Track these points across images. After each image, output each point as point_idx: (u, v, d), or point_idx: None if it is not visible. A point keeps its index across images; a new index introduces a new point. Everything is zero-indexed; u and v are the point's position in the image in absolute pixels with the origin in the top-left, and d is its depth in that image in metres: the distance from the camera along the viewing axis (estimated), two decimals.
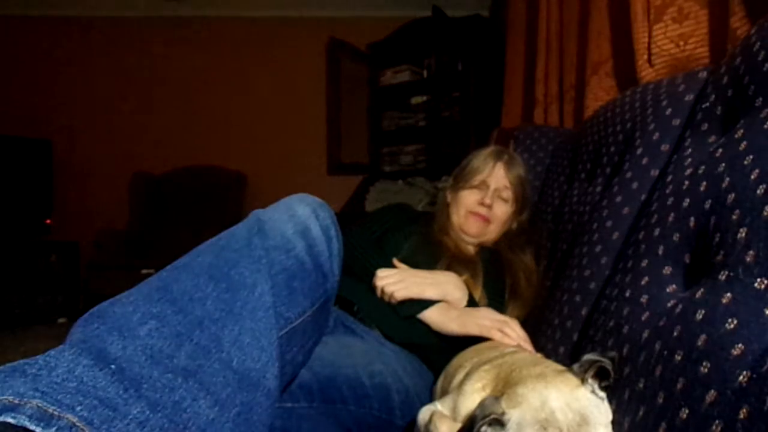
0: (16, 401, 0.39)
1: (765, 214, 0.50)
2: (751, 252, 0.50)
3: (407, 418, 0.84)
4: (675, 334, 0.56)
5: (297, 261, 0.64)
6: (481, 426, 0.52)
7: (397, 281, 1.03)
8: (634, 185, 0.91)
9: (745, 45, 0.70)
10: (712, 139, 0.75)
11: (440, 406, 0.68)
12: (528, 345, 0.93)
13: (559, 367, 0.61)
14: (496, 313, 1.01)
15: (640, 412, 0.55)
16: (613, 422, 0.56)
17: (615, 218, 0.92)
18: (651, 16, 1.16)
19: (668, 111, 0.91)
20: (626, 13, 1.24)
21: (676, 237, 0.68)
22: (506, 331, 0.93)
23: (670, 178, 0.77)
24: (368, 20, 3.89)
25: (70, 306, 3.38)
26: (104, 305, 0.53)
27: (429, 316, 1.01)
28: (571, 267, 0.98)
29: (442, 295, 1.04)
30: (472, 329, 0.97)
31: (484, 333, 0.95)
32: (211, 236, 0.65)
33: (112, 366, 0.45)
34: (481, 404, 0.55)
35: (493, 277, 1.19)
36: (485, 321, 0.97)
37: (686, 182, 0.71)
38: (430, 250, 1.20)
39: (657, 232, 0.72)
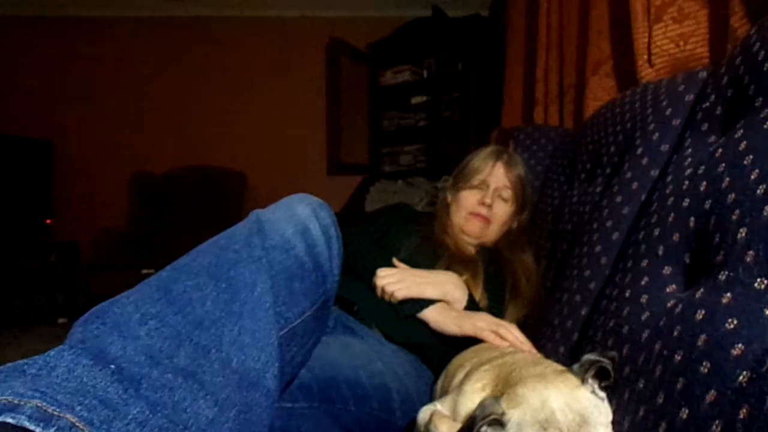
0: (16, 401, 0.39)
1: (765, 214, 0.50)
2: (751, 252, 0.50)
3: (407, 418, 0.84)
4: (675, 334, 0.56)
5: (297, 261, 0.64)
6: (481, 426, 0.52)
7: (397, 281, 1.03)
8: (634, 185, 0.91)
9: (745, 45, 0.69)
10: (712, 139, 0.75)
11: (440, 406, 0.68)
12: (526, 347, 0.92)
13: (559, 367, 0.61)
14: (494, 317, 1.00)
15: (640, 412, 0.55)
16: (613, 422, 0.56)
17: (615, 218, 0.92)
18: (651, 16, 1.16)
19: (668, 111, 0.91)
20: (626, 13, 1.24)
21: (676, 237, 0.68)
22: (501, 333, 0.93)
23: (670, 178, 0.77)
24: (368, 20, 3.89)
25: (70, 306, 3.38)
26: (104, 305, 0.53)
27: (428, 315, 1.01)
28: (571, 267, 0.98)
29: (442, 295, 1.04)
30: (468, 330, 0.96)
31: (479, 334, 0.95)
32: (211, 236, 0.64)
33: (112, 366, 0.45)
34: (481, 404, 0.55)
35: (494, 277, 1.19)
36: (481, 323, 0.96)
37: (686, 182, 0.71)
38: (431, 250, 1.20)
39: (657, 232, 0.72)
